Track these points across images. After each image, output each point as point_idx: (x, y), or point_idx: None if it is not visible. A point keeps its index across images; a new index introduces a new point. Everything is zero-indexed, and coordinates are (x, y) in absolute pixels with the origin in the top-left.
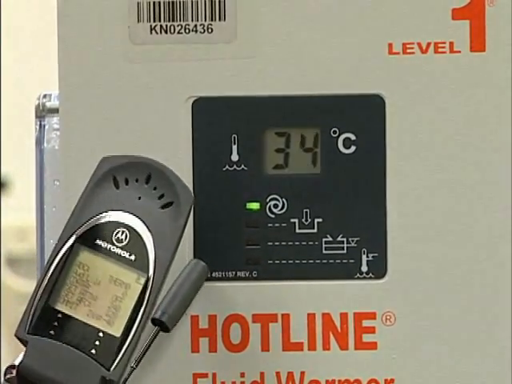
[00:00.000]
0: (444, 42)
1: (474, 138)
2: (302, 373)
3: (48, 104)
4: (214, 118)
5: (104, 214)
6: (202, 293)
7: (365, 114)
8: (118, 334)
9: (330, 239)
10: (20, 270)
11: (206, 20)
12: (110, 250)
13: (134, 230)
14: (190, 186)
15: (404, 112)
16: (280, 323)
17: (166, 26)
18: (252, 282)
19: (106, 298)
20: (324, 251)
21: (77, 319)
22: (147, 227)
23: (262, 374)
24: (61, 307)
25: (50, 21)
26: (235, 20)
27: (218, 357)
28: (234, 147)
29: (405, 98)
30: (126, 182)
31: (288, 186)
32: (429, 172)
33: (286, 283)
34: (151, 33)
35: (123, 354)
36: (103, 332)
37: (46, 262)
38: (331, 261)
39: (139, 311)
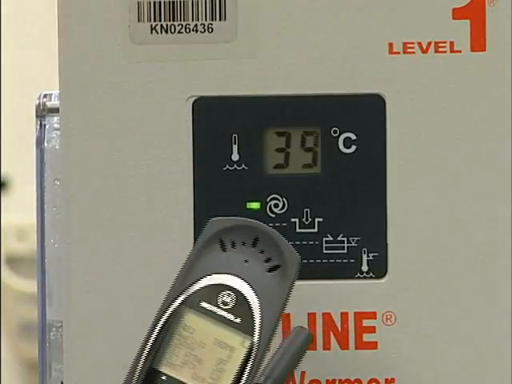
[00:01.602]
0: (444, 42)
1: (474, 137)
2: (303, 373)
3: (48, 104)
4: (214, 118)
5: (210, 277)
6: None
7: (365, 114)
8: None
9: (331, 239)
10: (20, 269)
11: (206, 20)
12: (215, 312)
13: (241, 293)
14: (190, 186)
15: (404, 111)
16: (280, 323)
17: (167, 25)
18: None
19: (210, 360)
20: (324, 251)
21: (181, 381)
22: (254, 291)
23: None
24: (165, 369)
25: (51, 20)
26: (236, 20)
27: None
28: (235, 147)
29: (405, 98)
30: (233, 245)
31: (288, 186)
32: (429, 171)
33: None
34: (152, 32)
35: None
36: None
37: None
38: (331, 260)
39: (243, 375)
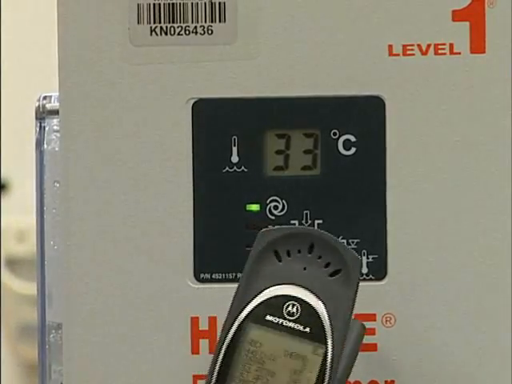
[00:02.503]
0: (444, 44)
1: (474, 139)
2: None
3: (48, 106)
4: (214, 120)
5: (271, 289)
6: (202, 294)
7: (365, 116)
8: None
9: None
10: (20, 271)
11: (206, 21)
12: (282, 324)
13: (306, 302)
14: (190, 188)
15: (404, 113)
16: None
17: (166, 27)
18: None
19: (284, 372)
20: None
21: None
22: (318, 298)
23: None
24: None
25: (51, 22)
26: (235, 22)
27: None
28: (234, 149)
29: (405, 100)
30: (288, 254)
31: (288, 188)
32: (429, 173)
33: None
34: (151, 34)
35: None
36: None
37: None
38: None
39: (323, 382)
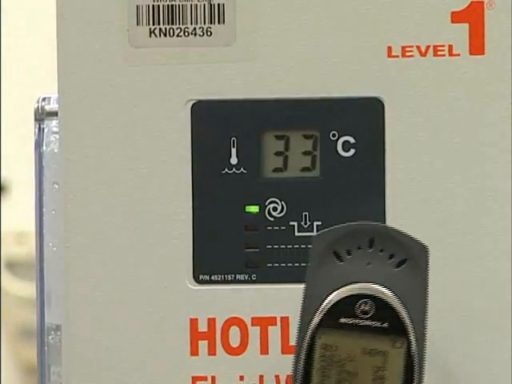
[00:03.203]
0: (443, 45)
1: (473, 141)
2: None
3: (47, 107)
4: (213, 121)
5: (338, 292)
6: (201, 296)
7: (364, 117)
8: None
9: None
10: (19, 273)
11: (205, 23)
12: (357, 324)
13: (378, 297)
14: (189, 190)
15: (403, 115)
16: (279, 326)
17: (166, 29)
18: (251, 285)
19: (366, 371)
20: None
21: None
22: (390, 290)
23: (261, 377)
24: None
25: (50, 24)
26: (234, 23)
27: (217, 360)
28: (233, 150)
29: (404, 101)
30: (349, 253)
31: (287, 189)
32: (428, 175)
33: (285, 286)
34: (150, 36)
35: None
36: None
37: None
38: None
39: (414, 374)
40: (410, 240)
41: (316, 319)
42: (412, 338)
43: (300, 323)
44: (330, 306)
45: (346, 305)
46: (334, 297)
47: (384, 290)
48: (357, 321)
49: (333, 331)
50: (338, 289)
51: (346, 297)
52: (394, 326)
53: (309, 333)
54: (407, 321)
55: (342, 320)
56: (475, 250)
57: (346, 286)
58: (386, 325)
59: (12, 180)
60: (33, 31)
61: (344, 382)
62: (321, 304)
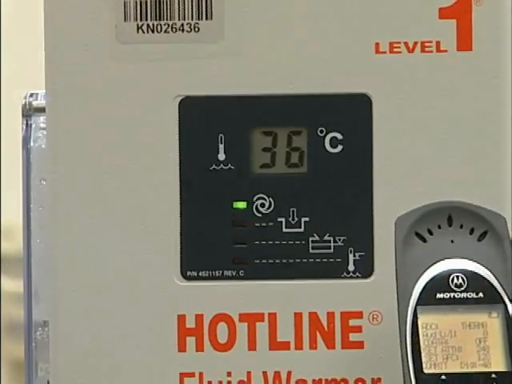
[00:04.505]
0: (431, 41)
1: (461, 137)
2: (289, 372)
3: (35, 103)
4: (200, 117)
5: (429, 270)
6: (189, 292)
7: (352, 114)
8: (504, 368)
9: (317, 238)
10: (6, 268)
11: (192, 19)
12: (453, 298)
13: (468, 270)
14: (177, 186)
15: (391, 111)
16: (267, 322)
17: (153, 24)
18: (239, 281)
19: (469, 345)
20: (311, 250)
21: (459, 373)
22: (478, 263)
23: (248, 373)
24: (435, 370)
25: (38, 20)
26: (222, 19)
27: (205, 356)
28: (221, 146)
29: (392, 97)
30: (431, 233)
31: (275, 185)
32: (416, 171)
33: (272, 282)
34: (138, 32)
35: None
36: (491, 373)
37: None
38: (318, 260)
39: None
40: (487, 212)
41: (413, 299)
42: (508, 304)
43: (399, 309)
44: (424, 284)
45: (440, 281)
46: (426, 276)
47: (472, 263)
48: (453, 294)
49: (431, 308)
50: (428, 268)
51: (438, 274)
52: (489, 296)
53: (409, 315)
54: (500, 289)
55: (439, 295)
56: None
57: (434, 264)
58: (481, 295)
59: (0, 175)
60: (21, 27)
61: (451, 357)
62: (415, 284)
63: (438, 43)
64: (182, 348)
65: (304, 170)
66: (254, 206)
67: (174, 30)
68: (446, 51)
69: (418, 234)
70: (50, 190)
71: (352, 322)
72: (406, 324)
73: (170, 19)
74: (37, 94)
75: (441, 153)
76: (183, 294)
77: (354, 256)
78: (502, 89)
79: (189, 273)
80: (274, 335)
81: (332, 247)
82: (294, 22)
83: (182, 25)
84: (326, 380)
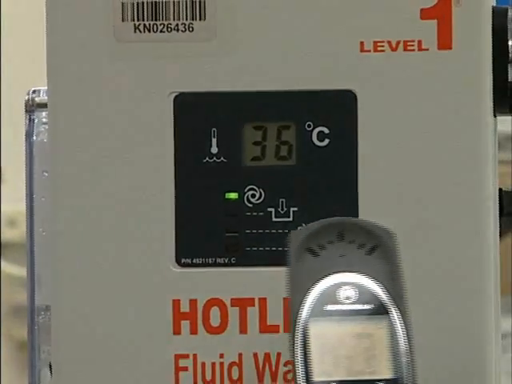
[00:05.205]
0: (413, 41)
1: (442, 131)
2: (278, 354)
3: (37, 99)
4: (194, 113)
5: (319, 283)
6: (183, 278)
7: (338, 109)
8: (389, 375)
9: None
10: (11, 254)
11: (187, 19)
12: (342, 310)
13: (357, 283)
14: (172, 177)
15: (375, 107)
16: (257, 307)
17: (150, 24)
18: (231, 267)
19: (357, 354)
20: None
21: (345, 381)
22: (366, 275)
23: (240, 354)
24: (324, 378)
25: (40, 21)
26: (215, 19)
27: (199, 339)
28: (214, 140)
29: (376, 94)
30: (322, 248)
31: (265, 177)
32: (398, 163)
33: (262, 269)
34: (135, 31)
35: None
36: (377, 380)
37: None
38: None
39: (399, 347)
40: (377, 228)
41: (304, 312)
42: (394, 315)
43: (290, 320)
44: (314, 297)
45: (329, 294)
46: (316, 289)
47: (360, 276)
48: (341, 306)
49: (321, 320)
50: (318, 281)
51: (327, 287)
52: (376, 308)
53: (299, 326)
54: (386, 301)
55: (329, 307)
56: (444, 236)
57: (324, 277)
58: (368, 306)
59: (6, 168)
60: (25, 28)
61: (340, 364)
62: (305, 297)
63: (419, 42)
64: (176, 331)
65: (293, 163)
66: (246, 196)
67: (169, 29)
68: (427, 50)
69: (310, 249)
70: (51, 182)
71: None
72: (297, 335)
73: (166, 19)
74: (39, 90)
75: (421, 146)
76: (178, 280)
77: None
78: (480, 85)
79: (183, 260)
80: (264, 319)
81: None
82: (282, 23)
83: (177, 25)
84: None
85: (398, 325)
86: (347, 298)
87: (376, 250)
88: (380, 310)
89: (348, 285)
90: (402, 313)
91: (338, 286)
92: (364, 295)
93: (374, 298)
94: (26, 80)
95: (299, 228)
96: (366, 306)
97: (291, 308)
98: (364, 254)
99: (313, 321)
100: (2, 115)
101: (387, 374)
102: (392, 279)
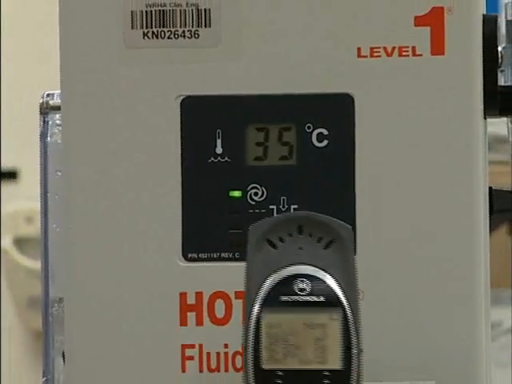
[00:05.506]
0: (407, 47)
1: (435, 133)
2: None
3: (51, 102)
4: (200, 115)
5: (276, 274)
6: (190, 272)
7: (336, 112)
8: (337, 366)
9: None
10: (28, 249)
11: (193, 26)
12: (296, 301)
13: (312, 275)
14: (179, 176)
15: (371, 109)
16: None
17: (157, 31)
18: (235, 262)
19: (308, 343)
20: None
21: (293, 370)
22: (321, 269)
23: None
24: (273, 366)
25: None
26: (220, 26)
27: (204, 330)
28: (219, 141)
29: (372, 97)
30: (282, 240)
31: (267, 176)
32: (394, 164)
33: None
34: (144, 38)
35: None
36: (325, 370)
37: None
38: None
39: (351, 340)
40: (335, 223)
41: (258, 301)
42: (346, 308)
43: (245, 308)
44: (269, 287)
45: (285, 285)
46: (272, 279)
47: (315, 269)
48: (296, 297)
49: (275, 310)
50: (275, 272)
51: (284, 278)
52: (330, 300)
53: (253, 315)
54: (340, 294)
55: (283, 298)
56: (439, 228)
57: (281, 269)
58: (322, 298)
59: (22, 167)
60: (41, 35)
61: (289, 354)
62: (261, 287)
63: (413, 48)
64: (183, 322)
65: (293, 163)
66: (249, 194)
67: (176, 36)
68: (420, 55)
69: (269, 241)
70: (64, 181)
71: None
72: (250, 323)
73: (173, 27)
74: (53, 94)
75: (417, 148)
76: (185, 274)
77: None
78: (471, 89)
79: (190, 255)
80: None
81: None
82: (284, 30)
83: (184, 31)
84: None
85: (350, 317)
86: (301, 290)
87: (332, 244)
88: (334, 303)
89: (304, 277)
90: (353, 306)
91: (294, 277)
92: (318, 287)
93: (327, 290)
94: (38, 84)
95: (258, 222)
96: (320, 298)
97: (246, 297)
98: (321, 247)
99: (267, 310)
100: (18, 117)
101: (336, 365)
102: (346, 273)
